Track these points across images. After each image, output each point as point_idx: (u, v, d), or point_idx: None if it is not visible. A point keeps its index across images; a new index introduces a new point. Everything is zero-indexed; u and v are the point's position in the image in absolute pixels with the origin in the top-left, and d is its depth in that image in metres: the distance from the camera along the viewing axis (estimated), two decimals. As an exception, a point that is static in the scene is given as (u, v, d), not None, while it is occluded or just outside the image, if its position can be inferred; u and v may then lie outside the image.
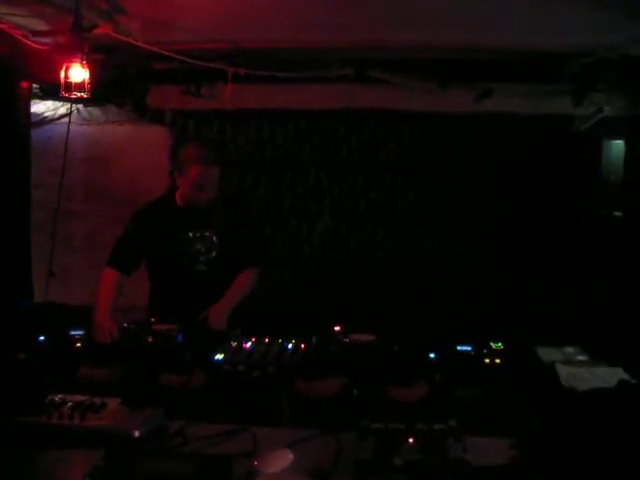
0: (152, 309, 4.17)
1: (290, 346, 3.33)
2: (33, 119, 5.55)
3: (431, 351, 3.26)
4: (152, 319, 3.76)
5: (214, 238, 4.14)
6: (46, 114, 5.72)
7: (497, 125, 5.61)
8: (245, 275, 4.21)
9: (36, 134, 5.54)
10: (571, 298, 5.39)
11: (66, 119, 5.63)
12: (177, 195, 4.14)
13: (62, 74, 3.75)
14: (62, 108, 5.70)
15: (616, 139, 5.29)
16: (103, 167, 5.75)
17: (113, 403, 2.50)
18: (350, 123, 5.71)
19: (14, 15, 4.16)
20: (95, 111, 5.73)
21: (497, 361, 3.21)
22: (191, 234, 4.11)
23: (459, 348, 3.34)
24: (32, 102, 5.49)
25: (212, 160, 4.02)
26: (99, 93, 4.74)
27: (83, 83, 3.78)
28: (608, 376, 3.18)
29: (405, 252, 5.73)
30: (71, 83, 3.75)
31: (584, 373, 3.25)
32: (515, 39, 4.53)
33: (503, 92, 5.24)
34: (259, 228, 4.63)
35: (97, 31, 4.13)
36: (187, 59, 4.72)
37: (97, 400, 2.50)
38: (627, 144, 5.25)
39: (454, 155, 5.74)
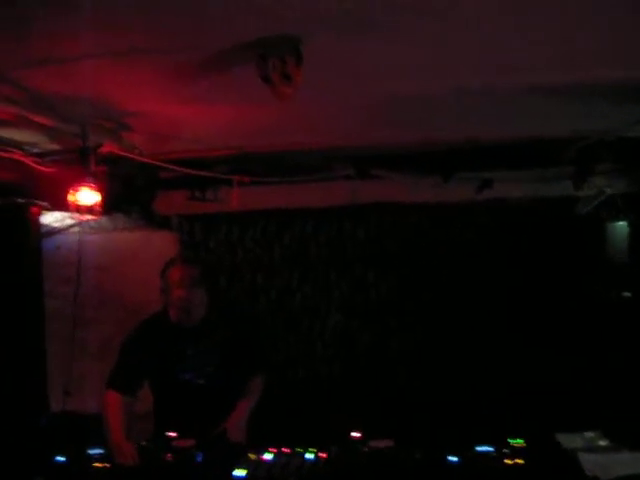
0: (157, 422, 4.17)
1: (310, 457, 3.33)
2: (41, 230, 5.60)
3: (451, 454, 3.26)
4: (168, 434, 3.76)
5: (212, 353, 4.16)
6: (54, 224, 5.74)
7: (499, 211, 5.66)
8: (254, 383, 4.24)
9: (45, 244, 5.62)
10: (587, 381, 5.36)
11: (73, 229, 5.69)
12: (170, 313, 4.17)
13: (72, 198, 3.81)
14: (69, 218, 5.72)
15: (619, 220, 5.33)
16: (114, 274, 5.80)
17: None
18: (355, 219, 5.76)
19: (26, 144, 4.25)
20: (103, 220, 5.79)
21: (519, 461, 3.21)
22: (188, 350, 4.13)
23: (478, 449, 3.34)
24: (40, 213, 5.55)
25: (195, 283, 4.09)
26: (106, 203, 4.81)
27: (94, 205, 3.85)
28: (632, 462, 3.17)
29: (416, 348, 5.72)
30: (82, 206, 3.81)
31: (607, 460, 3.24)
32: (513, 129, 4.62)
33: (504, 180, 5.30)
34: (260, 334, 4.64)
35: (103, 150, 4.19)
36: (191, 171, 4.78)
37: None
38: (630, 225, 5.30)
39: (459, 242, 5.78)
